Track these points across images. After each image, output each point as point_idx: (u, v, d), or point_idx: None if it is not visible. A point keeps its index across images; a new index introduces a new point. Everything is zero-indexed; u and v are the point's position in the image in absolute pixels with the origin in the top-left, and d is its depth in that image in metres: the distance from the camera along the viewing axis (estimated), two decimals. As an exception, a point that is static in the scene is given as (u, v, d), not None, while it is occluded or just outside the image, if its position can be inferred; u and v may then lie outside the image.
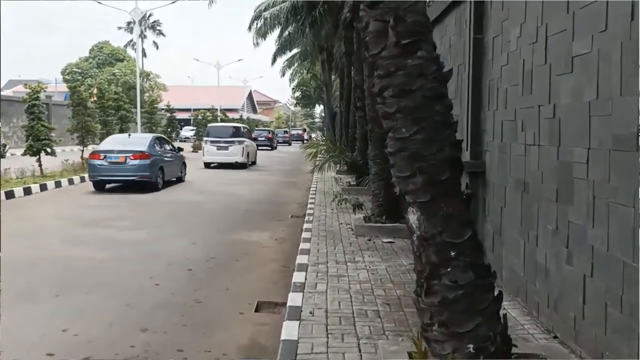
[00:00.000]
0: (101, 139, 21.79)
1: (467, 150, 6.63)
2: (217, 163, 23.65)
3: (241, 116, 61.72)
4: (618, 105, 3.57)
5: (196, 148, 38.53)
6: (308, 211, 11.36)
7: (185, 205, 13.04)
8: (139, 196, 14.36)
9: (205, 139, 24.80)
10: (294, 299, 5.48)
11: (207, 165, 23.83)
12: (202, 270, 7.30)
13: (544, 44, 4.73)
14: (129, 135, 19.51)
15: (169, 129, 30.80)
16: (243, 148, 23.97)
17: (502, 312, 3.43)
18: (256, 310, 5.82)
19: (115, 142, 16.88)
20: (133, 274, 7.03)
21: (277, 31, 35.35)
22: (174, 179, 17.45)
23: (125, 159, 15.48)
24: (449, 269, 3.19)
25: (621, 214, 3.51)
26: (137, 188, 15.25)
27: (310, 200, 12.99)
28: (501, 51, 5.89)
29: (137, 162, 15.45)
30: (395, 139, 3.45)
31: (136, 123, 24.48)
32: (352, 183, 14.86)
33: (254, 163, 26.07)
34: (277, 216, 11.86)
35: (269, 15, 29.91)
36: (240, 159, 23.74)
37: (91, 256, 7.84)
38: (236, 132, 24.85)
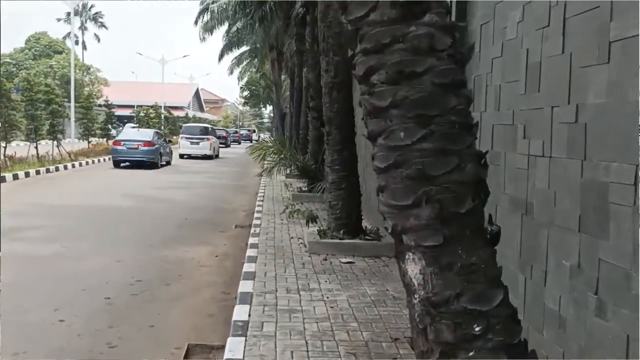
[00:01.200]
0: (28, 135, 19.97)
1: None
2: (190, 155, 29.71)
3: (187, 114, 59.66)
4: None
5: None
6: (255, 221, 10.13)
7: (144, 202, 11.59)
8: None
9: (181, 135, 31.42)
10: (233, 347, 4.26)
11: (182, 156, 29.92)
12: (122, 299, 5.98)
13: (561, 28, 3.69)
14: (138, 129, 26.50)
15: (107, 125, 28.78)
16: (211, 144, 30.70)
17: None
18: (186, 357, 4.59)
19: (128, 134, 24.21)
20: (32, 308, 5.65)
21: (225, 27, 33.98)
22: (165, 162, 23.61)
23: (138, 146, 22.47)
24: (471, 354, 2.06)
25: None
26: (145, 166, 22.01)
27: (257, 208, 11.76)
28: (492, 40, 4.85)
29: (146, 148, 22.54)
30: (389, 147, 2.28)
31: (69, 118, 22.56)
32: (303, 189, 13.70)
33: (217, 156, 32.04)
34: (220, 226, 10.58)
35: (216, 8, 28.47)
36: (208, 152, 30.25)
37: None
38: (205, 131, 31.81)
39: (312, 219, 7.97)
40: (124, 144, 22.67)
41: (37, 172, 18.52)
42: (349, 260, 7.11)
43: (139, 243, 8.70)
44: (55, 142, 22.39)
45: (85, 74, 55.57)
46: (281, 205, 12.17)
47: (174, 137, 40.04)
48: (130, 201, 13.26)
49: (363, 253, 7.42)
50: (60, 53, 56.77)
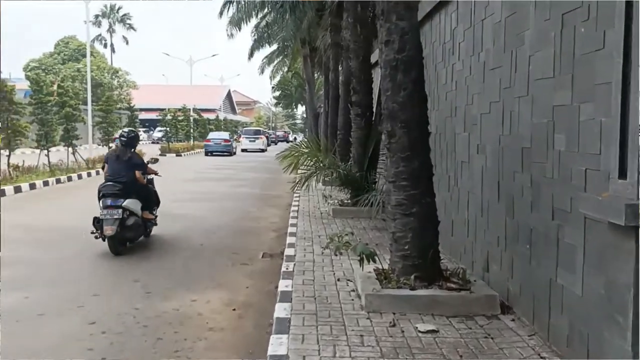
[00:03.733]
0: (39, 142, 18.08)
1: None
2: (250, 149, 42.75)
3: (217, 116, 57.86)
4: None
5: (165, 151, 34.77)
6: (287, 250, 7.78)
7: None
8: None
9: (243, 135, 45.95)
10: None
11: (243, 150, 42.87)
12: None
13: None
14: (219, 132, 41.31)
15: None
16: (262, 141, 45.22)
17: None
18: None
19: (213, 135, 38.60)
20: None
21: (253, 21, 31.85)
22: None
23: (221, 142, 36.76)
24: None
25: None
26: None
27: (290, 229, 9.42)
28: None
29: (226, 144, 36.56)
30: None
31: (84, 123, 20.67)
32: (345, 201, 11.31)
33: (265, 150, 44.07)
34: (243, 254, 8.28)
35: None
36: (261, 147, 44.14)
37: None
38: (258, 132, 48.38)
39: (368, 257, 5.56)
40: (212, 140, 37.30)
41: (45, 183, 16.55)
42: (430, 328, 4.67)
43: (131, 290, 6.42)
44: (70, 149, 20.46)
45: (113, 77, 54.25)
46: (319, 224, 9.84)
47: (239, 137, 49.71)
48: (139, 219, 11.06)
49: (448, 311, 4.99)
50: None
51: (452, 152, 7.21)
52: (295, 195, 13.28)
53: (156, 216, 9.24)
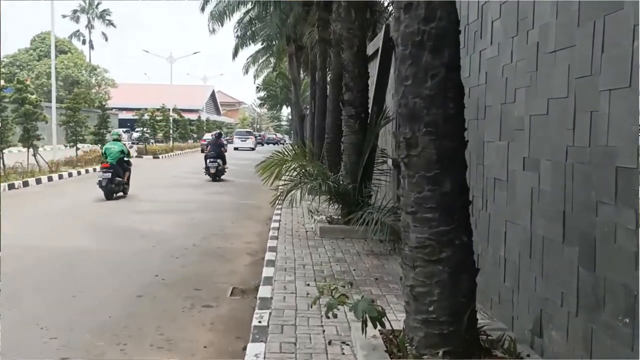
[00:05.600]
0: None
1: None
2: (241, 148, 45.35)
3: (199, 117, 55.93)
4: None
5: (141, 153, 32.84)
6: (262, 289, 6.03)
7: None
8: None
9: (235, 136, 48.69)
10: None
11: (236, 149, 46.00)
12: None
13: None
14: (211, 133, 37.13)
15: (101, 130, 24.91)
16: (252, 140, 50.86)
17: None
18: None
19: (208, 136, 37.57)
20: None
21: (236, 16, 30.11)
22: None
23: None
24: None
25: None
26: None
27: (269, 254, 7.68)
28: None
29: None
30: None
31: (46, 122, 18.71)
32: (335, 217, 9.58)
33: (254, 148, 48.63)
34: (208, 290, 6.54)
35: (224, -9, 24.54)
36: (251, 145, 49.25)
37: None
38: (248, 133, 54.18)
39: (375, 320, 3.85)
40: (207, 140, 34.15)
41: (-6, 190, 14.63)
42: None
43: (42, 349, 4.64)
44: (30, 150, 18.52)
45: (91, 74, 52.02)
46: (304, 247, 8.15)
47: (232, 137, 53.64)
48: (91, 238, 9.27)
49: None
50: (66, 53, 53.26)
51: (477, 165, 5.53)
52: (276, 208, 11.53)
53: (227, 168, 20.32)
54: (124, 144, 15.45)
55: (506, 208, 4.85)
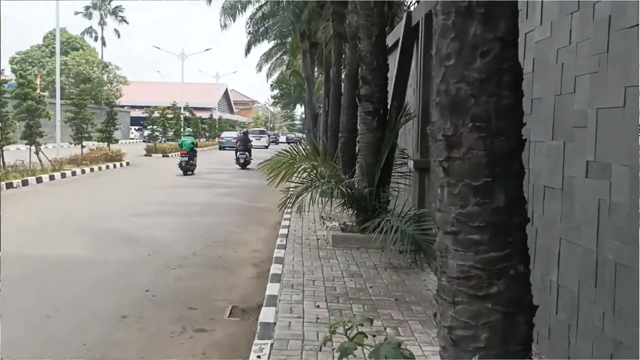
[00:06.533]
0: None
1: None
2: (255, 146, 38.28)
3: (211, 115, 55.28)
4: None
5: (150, 151, 32.17)
6: (265, 312, 5.19)
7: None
8: None
9: (251, 134, 41.77)
10: None
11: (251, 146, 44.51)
12: None
13: None
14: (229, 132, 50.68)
15: (108, 127, 24.24)
16: (266, 139, 53.47)
17: None
18: None
19: (225, 134, 48.19)
20: None
21: (249, 11, 29.37)
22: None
23: (231, 139, 39.92)
24: None
25: None
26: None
27: (275, 267, 6.84)
28: None
29: (235, 141, 30.68)
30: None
31: (49, 118, 18.01)
32: (350, 225, 8.73)
33: (267, 146, 49.04)
34: (205, 307, 5.72)
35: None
36: (265, 143, 50.49)
37: None
38: (263, 132, 58.07)
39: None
40: (224, 138, 45.68)
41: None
42: None
43: None
44: (33, 148, 17.83)
45: (103, 71, 51.50)
46: (315, 258, 7.35)
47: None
48: (80, 245, 8.47)
49: None
50: (78, 50, 52.83)
51: (520, 169, 4.62)
52: (286, 212, 10.66)
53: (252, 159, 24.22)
54: (192, 138, 22.45)
55: (560, 223, 3.96)
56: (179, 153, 21.77)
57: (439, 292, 3.04)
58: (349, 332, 3.21)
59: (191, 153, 20.94)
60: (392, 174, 8.71)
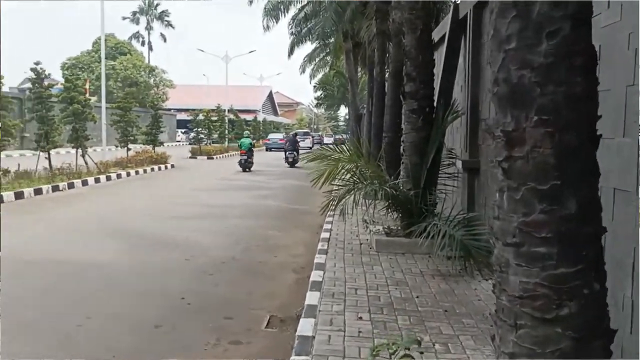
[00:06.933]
0: (38, 142, 15.69)
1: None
2: (300, 147, 38.93)
3: (255, 117, 55.56)
4: None
5: (195, 154, 32.43)
6: (302, 324, 4.86)
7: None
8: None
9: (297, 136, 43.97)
10: None
11: None
12: None
13: None
14: (275, 133, 54.98)
15: (152, 130, 24.46)
16: (310, 140, 53.23)
17: None
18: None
19: (272, 135, 51.70)
20: None
21: (291, 12, 29.21)
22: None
23: (277, 141, 46.39)
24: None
25: None
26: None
27: (315, 273, 6.50)
28: None
29: (281, 142, 38.92)
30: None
31: (95, 122, 18.21)
32: (394, 229, 8.33)
33: (312, 147, 44.24)
34: (241, 316, 5.44)
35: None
36: (309, 145, 48.55)
37: None
38: (307, 134, 57.24)
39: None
40: (271, 140, 48.46)
41: (38, 192, 14.06)
42: None
43: None
44: (79, 151, 18.04)
45: (150, 75, 52.39)
46: (357, 264, 7.02)
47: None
48: (117, 249, 8.33)
49: None
50: (125, 54, 53.88)
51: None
52: (328, 215, 10.33)
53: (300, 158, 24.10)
54: (250, 139, 25.75)
55: (634, 230, 3.49)
56: (239, 153, 24.89)
57: (497, 312, 2.64)
58: (393, 356, 2.84)
59: (249, 152, 23.97)
60: (439, 175, 8.27)
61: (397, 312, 5.16)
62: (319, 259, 7.29)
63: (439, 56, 9.29)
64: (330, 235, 8.92)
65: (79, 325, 5.09)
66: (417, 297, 5.67)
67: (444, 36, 9.38)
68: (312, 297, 5.58)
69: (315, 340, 4.43)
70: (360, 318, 4.96)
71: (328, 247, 8.03)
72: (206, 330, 5.09)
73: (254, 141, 50.15)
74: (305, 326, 4.75)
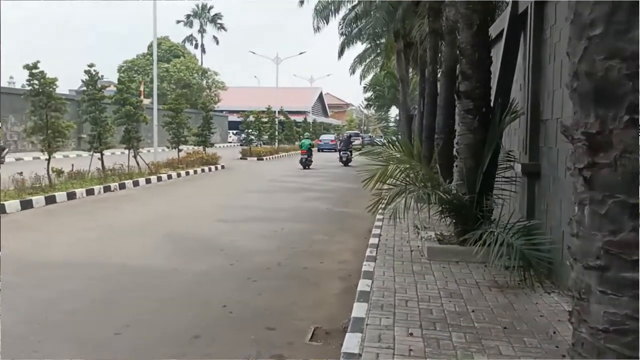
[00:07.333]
0: (91, 143, 15.92)
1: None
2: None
3: (305, 119, 55.59)
4: None
5: (246, 155, 32.61)
6: (349, 336, 4.54)
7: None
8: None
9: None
10: None
11: None
12: None
13: None
14: (327, 134, 56.88)
15: (204, 131, 24.63)
16: (360, 141, 48.36)
17: None
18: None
19: (324, 137, 52.66)
20: None
21: (342, 12, 28.92)
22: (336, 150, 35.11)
23: (329, 142, 49.86)
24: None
25: None
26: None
27: (363, 282, 6.17)
28: None
29: (332, 143, 48.14)
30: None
31: (146, 123, 18.40)
32: (447, 236, 7.91)
33: (362, 148, 49.79)
34: (283, 330, 5.15)
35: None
36: (359, 144, 44.33)
37: None
38: (357, 135, 57.08)
39: None
40: (322, 141, 50.34)
41: (89, 192, 14.23)
42: None
43: None
44: (131, 152, 18.26)
45: (202, 77, 53.13)
46: (408, 273, 6.68)
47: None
48: (162, 253, 8.22)
49: None
50: (179, 57, 54.84)
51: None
52: (377, 218, 9.99)
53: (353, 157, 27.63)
54: (310, 140, 28.65)
55: None
56: (299, 152, 27.86)
57: (575, 346, 2.25)
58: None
59: (309, 152, 26.90)
60: (496, 179, 7.80)
61: (451, 328, 4.78)
62: (367, 266, 6.95)
63: (496, 53, 8.80)
64: (379, 240, 8.57)
65: (117, 334, 4.91)
66: (473, 311, 5.26)
67: (501, 33, 8.88)
68: (359, 309, 5.25)
69: (361, 358, 4.10)
70: (411, 334, 4.60)
71: (377, 253, 7.68)
72: (247, 343, 4.83)
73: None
74: (351, 342, 4.42)
